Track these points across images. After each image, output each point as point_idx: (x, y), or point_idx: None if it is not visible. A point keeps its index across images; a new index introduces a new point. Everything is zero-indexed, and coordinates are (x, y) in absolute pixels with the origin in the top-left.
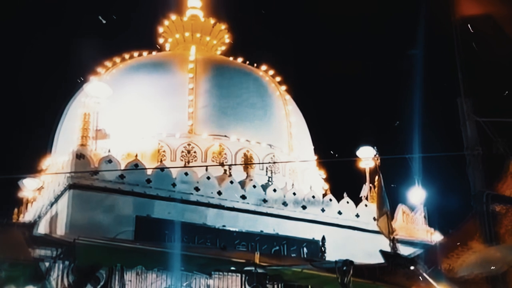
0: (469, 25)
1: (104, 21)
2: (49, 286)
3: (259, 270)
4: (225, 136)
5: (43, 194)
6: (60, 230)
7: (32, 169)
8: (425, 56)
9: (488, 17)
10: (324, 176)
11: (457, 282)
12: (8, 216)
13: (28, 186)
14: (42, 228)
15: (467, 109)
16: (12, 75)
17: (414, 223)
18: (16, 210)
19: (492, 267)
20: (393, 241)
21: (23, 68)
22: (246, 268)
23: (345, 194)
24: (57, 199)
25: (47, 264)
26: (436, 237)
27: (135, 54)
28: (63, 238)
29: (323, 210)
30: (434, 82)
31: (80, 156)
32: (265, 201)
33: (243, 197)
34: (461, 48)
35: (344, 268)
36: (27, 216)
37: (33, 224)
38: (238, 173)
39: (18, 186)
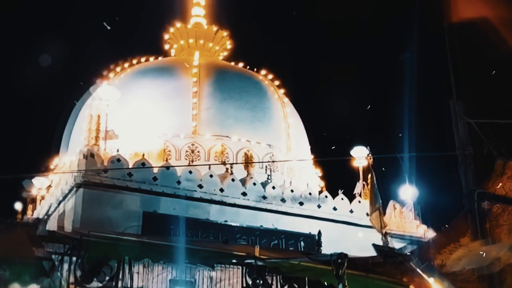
0: (463, 28)
1: (108, 27)
2: (52, 285)
3: (259, 263)
4: (227, 136)
5: (53, 192)
6: (71, 226)
7: (40, 169)
8: (418, 60)
9: (484, 20)
10: (320, 174)
11: (452, 280)
12: (12, 215)
13: (37, 185)
14: (51, 225)
15: (459, 110)
16: (19, 78)
17: (405, 218)
18: (20, 209)
19: (483, 264)
20: (385, 235)
21: (31, 71)
22: (246, 261)
23: (340, 191)
24: (65, 197)
25: (54, 260)
26: (424, 230)
27: (142, 59)
28: (70, 235)
29: (319, 206)
30: (426, 85)
31: (91, 156)
32: (264, 197)
33: (244, 194)
34: (456, 51)
35: (339, 261)
36: (36, 214)
37: (37, 223)
38: (239, 172)
39: (22, 186)
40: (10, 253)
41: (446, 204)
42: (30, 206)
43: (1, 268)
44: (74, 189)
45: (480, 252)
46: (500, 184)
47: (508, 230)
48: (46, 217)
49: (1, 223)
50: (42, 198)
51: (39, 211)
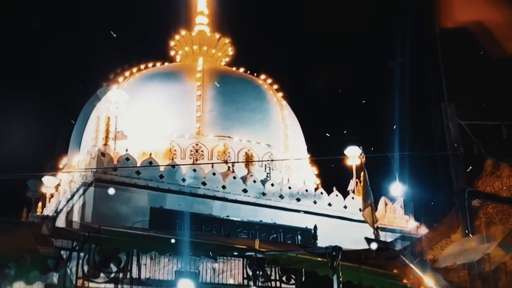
0: (454, 33)
1: (114, 35)
2: (60, 280)
3: (259, 255)
4: (229, 137)
5: (63, 190)
6: (83, 221)
7: (50, 169)
8: (409, 64)
9: (474, 24)
10: (316, 172)
11: (443, 274)
12: (18, 215)
13: (47, 184)
14: (60, 222)
15: (450, 112)
16: (28, 82)
17: (395, 214)
18: (25, 209)
19: (473, 259)
20: (377, 229)
21: (39, 74)
22: (247, 253)
23: (334, 188)
24: (73, 194)
25: (62, 256)
26: (415, 225)
27: (150, 64)
28: (80, 231)
29: (315, 202)
30: (417, 88)
31: (102, 155)
32: (264, 194)
33: (245, 190)
34: (448, 55)
35: (334, 253)
36: (45, 212)
37: (43, 221)
38: (240, 170)
39: (27, 186)
40: (15, 251)
41: (437, 201)
42: (39, 205)
43: (7, 266)
44: (85, 186)
45: (470, 248)
46: (489, 182)
47: (503, 229)
48: (55, 214)
49: (6, 222)
50: (51, 196)
51: (48, 209)
